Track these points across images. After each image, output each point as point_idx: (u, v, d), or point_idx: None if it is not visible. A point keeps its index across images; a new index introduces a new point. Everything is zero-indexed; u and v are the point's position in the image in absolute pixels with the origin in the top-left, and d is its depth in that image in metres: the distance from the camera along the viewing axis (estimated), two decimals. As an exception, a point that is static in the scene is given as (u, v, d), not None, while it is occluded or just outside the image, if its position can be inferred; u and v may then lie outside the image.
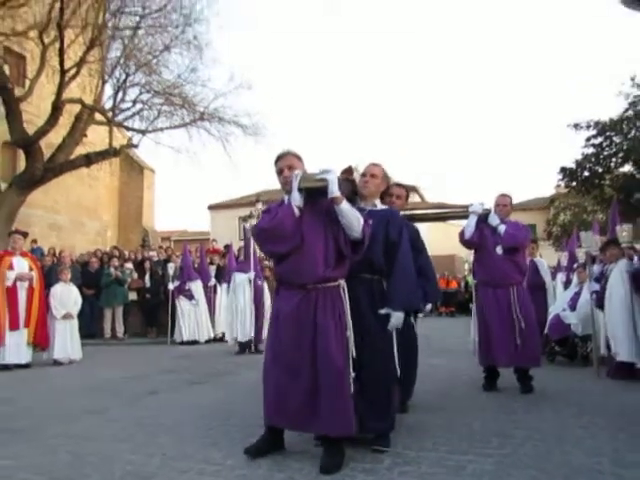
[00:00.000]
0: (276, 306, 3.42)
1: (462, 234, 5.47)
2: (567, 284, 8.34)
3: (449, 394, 5.15)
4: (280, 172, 3.35)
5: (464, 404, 4.71)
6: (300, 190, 3.17)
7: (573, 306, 7.10)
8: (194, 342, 10.95)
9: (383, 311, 3.41)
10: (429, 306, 4.73)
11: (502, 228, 5.30)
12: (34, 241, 15.17)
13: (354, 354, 3.18)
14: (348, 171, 3.88)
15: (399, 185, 4.55)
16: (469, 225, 5.40)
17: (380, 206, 3.78)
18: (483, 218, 5.40)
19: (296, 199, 3.17)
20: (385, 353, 3.44)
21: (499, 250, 5.32)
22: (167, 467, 3.13)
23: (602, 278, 6.37)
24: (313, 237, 3.20)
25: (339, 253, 3.23)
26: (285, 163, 3.33)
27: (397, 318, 3.41)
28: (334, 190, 3.11)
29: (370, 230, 3.29)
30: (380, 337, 3.42)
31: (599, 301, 6.25)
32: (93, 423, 4.26)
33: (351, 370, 3.14)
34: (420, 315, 4.00)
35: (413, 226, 4.63)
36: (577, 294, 7.24)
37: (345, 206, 3.15)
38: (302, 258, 3.18)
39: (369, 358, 3.36)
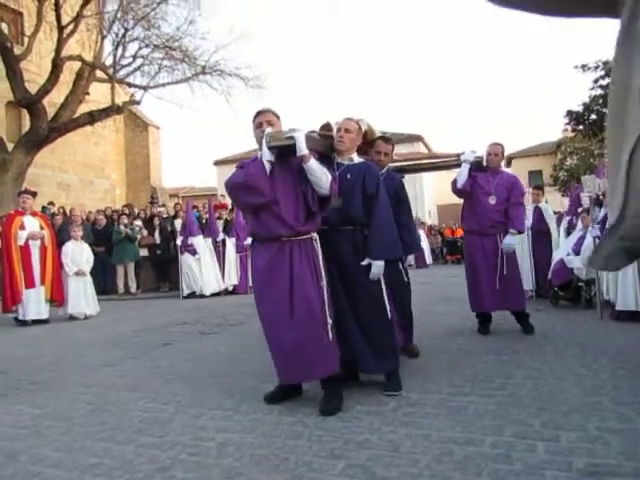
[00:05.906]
0: (254, 263, 3.53)
1: (454, 183, 5.41)
2: (569, 230, 8.33)
3: (453, 338, 5.24)
4: (259, 126, 3.41)
5: (467, 347, 4.79)
6: (270, 148, 3.26)
7: (577, 250, 7.08)
8: (200, 296, 11.06)
9: (365, 262, 3.54)
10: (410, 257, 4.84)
11: (511, 239, 5.23)
12: (51, 203, 15.10)
13: (327, 301, 3.29)
14: (326, 127, 3.91)
15: (386, 140, 4.51)
16: (461, 174, 5.32)
17: (357, 160, 3.79)
18: (475, 166, 5.33)
19: (266, 155, 3.26)
20: (375, 296, 3.57)
21: (492, 200, 5.29)
22: (182, 413, 3.26)
23: (605, 221, 6.37)
24: (283, 193, 3.29)
25: (309, 209, 3.33)
26: (264, 118, 3.41)
27: (377, 267, 3.53)
28: (302, 148, 3.21)
29: (337, 186, 3.38)
30: (367, 282, 3.54)
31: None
32: (110, 374, 4.40)
33: (328, 318, 3.25)
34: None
35: (398, 178, 4.69)
36: (581, 238, 7.19)
37: (313, 164, 3.24)
38: (273, 214, 3.27)
39: (361, 303, 3.52)
